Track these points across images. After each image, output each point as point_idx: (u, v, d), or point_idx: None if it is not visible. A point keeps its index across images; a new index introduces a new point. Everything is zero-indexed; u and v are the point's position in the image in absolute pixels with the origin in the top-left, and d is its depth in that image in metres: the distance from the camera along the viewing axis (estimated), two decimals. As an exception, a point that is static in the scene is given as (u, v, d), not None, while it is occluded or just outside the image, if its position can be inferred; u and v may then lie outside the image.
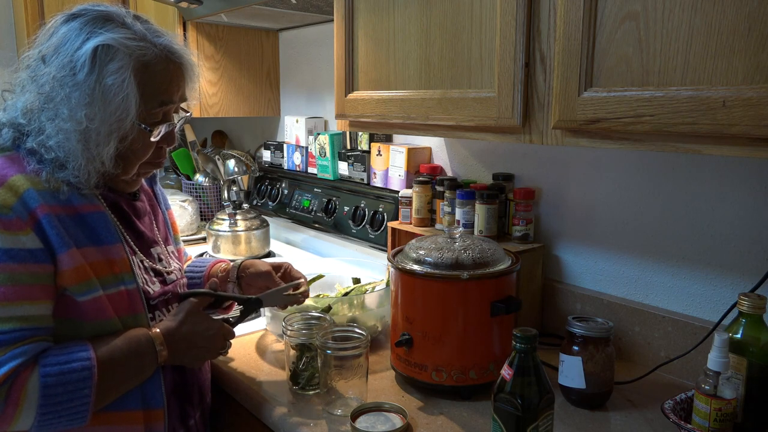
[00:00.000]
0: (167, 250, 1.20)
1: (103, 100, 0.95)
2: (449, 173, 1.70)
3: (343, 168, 1.96)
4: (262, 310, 1.35)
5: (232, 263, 1.34)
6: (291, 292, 1.25)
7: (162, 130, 1.04)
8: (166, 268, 1.15)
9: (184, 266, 1.37)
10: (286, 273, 1.31)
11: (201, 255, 2.06)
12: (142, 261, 1.09)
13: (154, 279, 1.11)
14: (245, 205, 2.14)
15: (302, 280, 1.30)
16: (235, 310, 1.19)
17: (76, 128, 0.95)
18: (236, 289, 1.31)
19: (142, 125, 1.00)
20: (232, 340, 1.15)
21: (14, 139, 0.99)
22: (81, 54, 0.94)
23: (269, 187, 2.34)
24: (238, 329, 1.40)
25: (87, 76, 0.94)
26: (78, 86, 0.94)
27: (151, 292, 1.08)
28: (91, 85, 0.94)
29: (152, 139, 1.03)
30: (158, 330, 1.03)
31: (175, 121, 1.08)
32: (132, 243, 1.08)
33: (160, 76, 1.01)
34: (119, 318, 1.00)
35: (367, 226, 1.84)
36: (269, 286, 1.27)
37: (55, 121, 0.95)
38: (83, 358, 0.93)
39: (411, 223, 1.62)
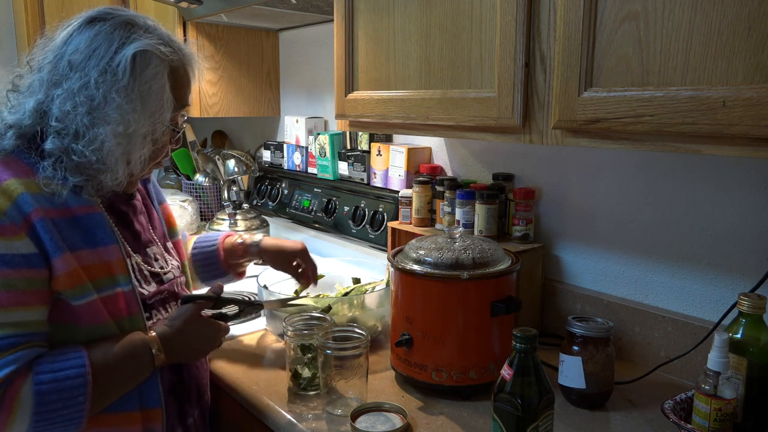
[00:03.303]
0: (165, 247, 1.20)
1: (143, 104, 0.98)
2: (449, 173, 1.70)
3: (343, 168, 1.96)
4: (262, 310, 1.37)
5: (246, 240, 1.40)
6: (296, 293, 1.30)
7: (180, 131, 1.10)
8: (163, 268, 1.15)
9: (190, 245, 1.42)
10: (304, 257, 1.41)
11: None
12: (137, 262, 1.09)
13: (150, 279, 1.11)
14: (245, 205, 2.14)
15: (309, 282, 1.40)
16: (235, 309, 1.21)
17: (124, 132, 0.97)
18: (259, 264, 1.42)
19: (172, 128, 1.06)
20: (227, 335, 1.18)
21: (17, 144, 0.98)
22: (120, 59, 0.96)
23: (269, 187, 2.34)
24: (239, 330, 1.41)
25: (129, 81, 0.96)
26: (121, 92, 0.96)
27: (146, 293, 1.08)
28: (133, 89, 0.96)
29: (173, 140, 1.09)
30: (155, 334, 1.03)
31: (181, 123, 1.12)
32: (128, 244, 1.08)
33: (183, 80, 1.06)
34: (115, 320, 1.00)
35: (367, 226, 1.84)
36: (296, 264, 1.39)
37: (103, 127, 0.96)
38: (78, 365, 0.92)
39: (411, 223, 1.62)
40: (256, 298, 1.56)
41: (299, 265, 1.40)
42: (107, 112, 0.95)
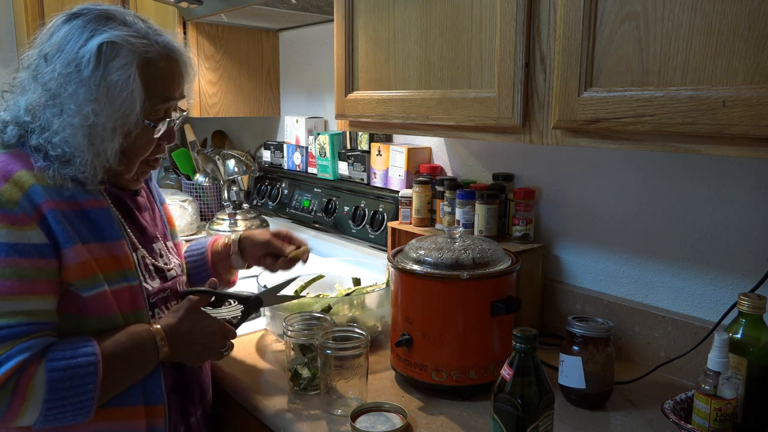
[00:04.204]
0: (167, 246, 1.20)
1: (109, 96, 0.96)
2: (449, 173, 1.70)
3: (343, 168, 1.96)
4: (261, 309, 1.37)
5: (231, 237, 1.36)
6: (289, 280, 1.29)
7: (163, 126, 1.06)
8: (167, 264, 1.15)
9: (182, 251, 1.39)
10: (287, 239, 1.33)
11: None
12: (143, 257, 1.09)
13: (154, 275, 1.11)
14: (245, 205, 2.14)
15: (304, 247, 1.32)
16: (237, 311, 1.20)
17: (83, 124, 0.95)
18: (239, 261, 1.35)
19: (146, 121, 1.02)
20: (233, 341, 1.15)
21: (19, 137, 0.99)
22: (85, 51, 0.95)
23: (269, 187, 2.34)
24: (239, 329, 1.41)
25: (93, 73, 0.95)
26: (83, 83, 0.95)
27: (150, 288, 1.08)
28: (96, 81, 0.95)
29: (154, 136, 1.05)
30: (159, 326, 1.04)
31: (174, 119, 1.10)
32: (135, 239, 1.09)
33: (162, 73, 1.03)
34: (122, 314, 1.01)
35: (367, 226, 1.84)
36: (273, 254, 1.31)
37: (61, 117, 0.96)
38: (89, 353, 0.93)
39: (411, 223, 1.62)
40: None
41: (277, 252, 1.32)
42: (63, 102, 0.95)
